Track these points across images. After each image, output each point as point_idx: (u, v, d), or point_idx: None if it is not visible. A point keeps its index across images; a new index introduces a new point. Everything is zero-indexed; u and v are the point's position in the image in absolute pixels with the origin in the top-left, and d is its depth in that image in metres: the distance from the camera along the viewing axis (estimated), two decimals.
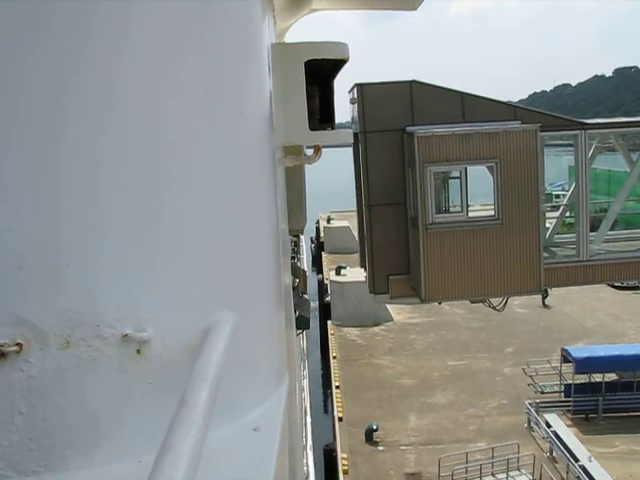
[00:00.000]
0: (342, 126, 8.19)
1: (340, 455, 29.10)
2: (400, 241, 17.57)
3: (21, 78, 3.11)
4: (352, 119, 18.88)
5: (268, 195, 4.51)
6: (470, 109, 17.15)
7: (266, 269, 4.35)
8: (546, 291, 45.24)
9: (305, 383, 31.27)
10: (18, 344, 3.10)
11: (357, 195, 19.12)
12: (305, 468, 20.99)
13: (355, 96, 17.42)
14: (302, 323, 12.98)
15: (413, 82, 17.30)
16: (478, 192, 18.15)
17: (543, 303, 47.92)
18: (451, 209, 17.88)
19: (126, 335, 3.26)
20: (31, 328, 3.12)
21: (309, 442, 26.66)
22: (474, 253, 16.60)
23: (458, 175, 17.27)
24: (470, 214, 17.02)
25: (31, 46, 3.09)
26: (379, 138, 17.26)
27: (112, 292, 3.27)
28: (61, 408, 3.19)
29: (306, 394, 30.30)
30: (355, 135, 17.77)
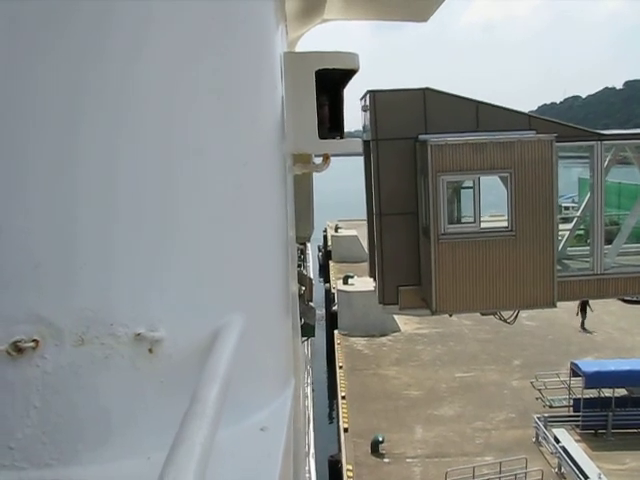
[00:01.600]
0: (351, 135, 8.24)
1: (345, 467, 28.72)
2: (411, 251, 17.26)
3: (39, 80, 3.19)
4: (363, 127, 18.63)
5: (279, 202, 4.56)
6: (484, 118, 16.86)
7: (275, 274, 4.43)
8: (584, 311, 44.46)
9: (309, 391, 30.94)
10: (34, 340, 3.20)
11: (367, 204, 18.85)
12: (307, 475, 20.89)
13: (367, 103, 17.16)
14: (307, 330, 13.08)
15: (427, 90, 17.03)
16: (486, 202, 17.83)
17: (582, 326, 46.60)
18: (463, 219, 17.59)
19: (139, 334, 3.35)
20: (47, 325, 3.22)
21: (311, 450, 26.34)
22: (486, 265, 16.29)
23: (470, 185, 16.99)
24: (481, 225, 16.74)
25: (49, 47, 3.17)
26: (391, 146, 16.98)
27: (126, 292, 3.37)
28: (74, 404, 3.28)
29: (309, 402, 29.93)
30: (366, 143, 17.52)
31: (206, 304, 3.62)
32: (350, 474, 28.20)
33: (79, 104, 3.25)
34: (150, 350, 3.39)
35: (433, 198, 16.01)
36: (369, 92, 17.03)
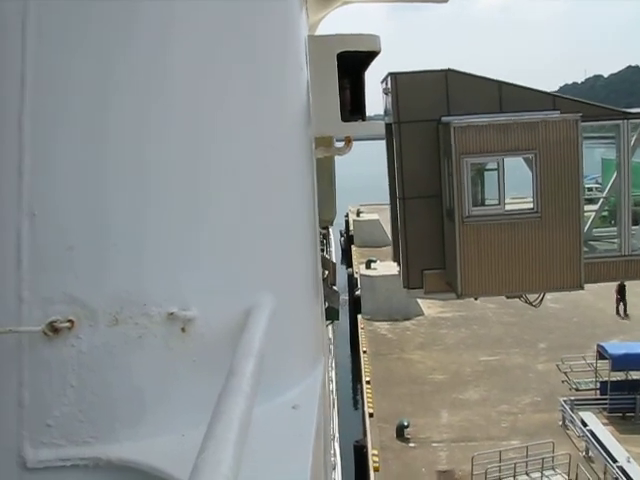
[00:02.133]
0: (371, 119, 8.09)
1: (371, 451, 28.64)
2: (435, 235, 17.11)
3: (70, 70, 3.29)
4: (385, 110, 18.44)
5: (306, 184, 4.65)
6: (507, 99, 16.62)
7: (303, 254, 4.51)
8: (623, 296, 42.51)
9: (332, 374, 30.84)
10: (70, 321, 3.30)
11: (390, 187, 18.69)
12: (332, 459, 20.49)
13: (389, 86, 16.96)
14: (332, 314, 13.80)
15: (449, 71, 16.83)
16: (507, 185, 17.58)
17: (624, 311, 45.09)
18: (486, 202, 17.37)
19: (171, 314, 3.44)
20: (82, 306, 3.32)
21: (336, 434, 26.26)
22: (512, 247, 16.09)
23: (493, 167, 16.78)
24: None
25: (79, 39, 3.28)
26: (413, 129, 16.81)
27: (158, 272, 3.47)
28: (109, 382, 3.38)
29: (333, 386, 29.85)
30: (388, 126, 17.35)
31: (237, 284, 3.70)
32: (376, 459, 28.11)
33: (110, 90, 3.33)
34: (183, 329, 3.47)
35: (457, 180, 15.82)
36: (390, 74, 16.84)
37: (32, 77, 3.25)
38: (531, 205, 16.28)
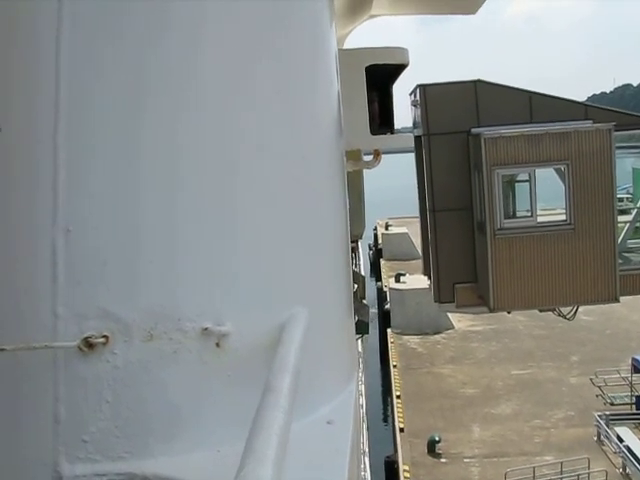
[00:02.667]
0: (399, 132, 8.38)
1: (402, 467, 28.35)
2: (466, 248, 16.90)
3: (103, 86, 3.33)
4: (414, 122, 18.33)
5: (338, 196, 4.58)
6: (538, 109, 16.42)
7: (337, 268, 4.46)
8: None
9: (362, 388, 30.62)
10: (104, 336, 3.29)
11: (420, 200, 18.54)
12: (363, 473, 20.60)
13: (417, 98, 16.84)
14: (362, 328, 13.71)
15: (478, 82, 16.67)
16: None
17: None
18: (517, 214, 17.14)
19: (206, 329, 3.40)
20: (116, 321, 3.31)
21: (366, 448, 26.01)
22: (545, 260, 15.83)
23: (525, 178, 16.58)
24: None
25: (111, 56, 3.33)
26: (443, 141, 16.67)
27: (192, 287, 3.44)
28: (144, 398, 3.36)
29: (363, 400, 29.63)
30: (417, 138, 17.22)
31: (271, 298, 3.67)
32: (407, 475, 27.84)
33: (140, 107, 3.36)
34: (217, 344, 3.44)
35: (488, 193, 15.62)
36: (419, 86, 16.74)
37: (66, 93, 3.27)
38: (563, 217, 16.02)
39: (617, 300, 16.21)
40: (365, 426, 28.61)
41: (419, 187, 18.55)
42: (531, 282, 15.85)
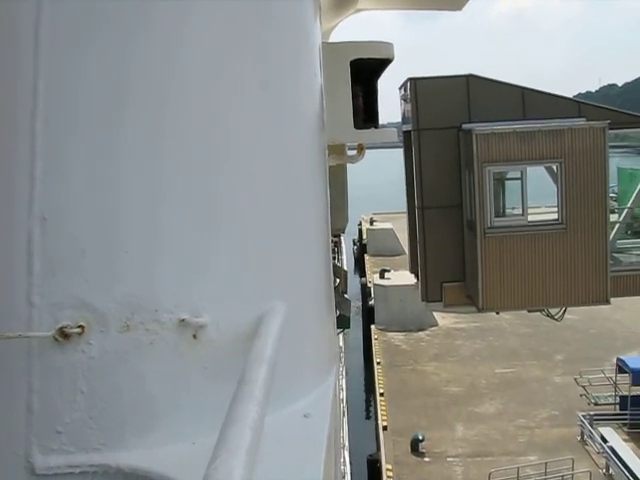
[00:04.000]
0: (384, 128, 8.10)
1: (385, 466, 28.00)
2: (455, 246, 16.60)
3: (83, 76, 3.29)
4: (403, 117, 17.96)
5: (320, 190, 4.56)
6: (531, 105, 16.13)
7: (316, 262, 4.44)
8: None
9: (343, 383, 30.27)
10: (80, 326, 3.27)
11: (408, 197, 18.21)
12: (342, 467, 20.37)
13: (408, 92, 16.46)
14: (343, 322, 13.36)
15: (470, 76, 16.31)
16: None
17: None
18: (507, 212, 16.82)
19: (183, 320, 3.40)
20: (92, 311, 3.29)
21: (346, 442, 25.85)
22: (535, 260, 15.55)
23: (516, 176, 16.27)
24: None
25: (92, 45, 3.27)
26: (433, 136, 16.33)
27: (170, 278, 3.44)
28: (119, 389, 3.35)
29: (344, 394, 29.55)
30: (407, 134, 16.87)
31: (249, 291, 3.67)
32: (390, 474, 27.49)
33: (123, 95, 3.32)
34: (194, 336, 3.43)
35: (479, 190, 15.31)
36: (410, 80, 16.40)
37: (44, 82, 3.23)
38: (554, 216, 15.71)
39: (608, 302, 15.94)
40: (345, 420, 28.30)
41: (407, 183, 18.21)
42: (521, 282, 15.55)
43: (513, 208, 16.52)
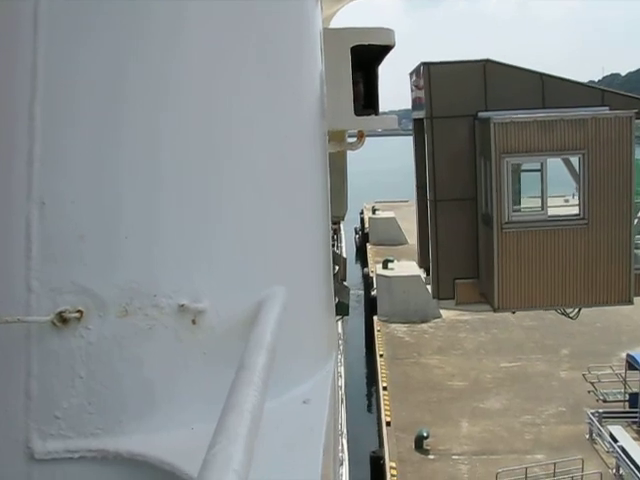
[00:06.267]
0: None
1: (388, 464, 27.29)
2: (468, 241, 15.78)
3: (82, 58, 3.26)
4: (413, 104, 17.10)
5: (320, 176, 4.54)
6: (551, 92, 15.25)
7: (316, 248, 4.43)
8: None
9: (342, 370, 29.76)
10: (79, 311, 3.27)
11: (418, 188, 17.36)
12: (340, 454, 20.55)
13: (421, 77, 15.57)
14: (342, 309, 13.32)
15: (487, 61, 15.40)
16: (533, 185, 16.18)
17: None
18: (522, 206, 15.95)
19: (182, 305, 3.38)
20: (91, 296, 3.28)
21: (344, 430, 25.31)
22: (555, 257, 14.73)
23: (532, 167, 15.42)
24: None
25: (92, 26, 3.26)
26: (448, 124, 15.43)
27: (169, 264, 3.42)
28: (118, 374, 3.34)
29: (342, 382, 28.84)
30: (418, 122, 16.00)
31: (249, 276, 3.65)
32: (394, 472, 26.80)
33: (123, 81, 3.30)
34: (193, 321, 3.42)
35: (496, 183, 14.46)
36: (423, 64, 15.54)
37: (43, 65, 3.21)
38: (575, 210, 14.84)
39: (631, 302, 15.09)
40: (344, 407, 27.71)
41: (417, 173, 17.40)
42: (539, 281, 14.74)
43: (531, 199, 15.63)
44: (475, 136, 15.30)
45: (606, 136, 14.28)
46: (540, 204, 14.92)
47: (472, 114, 15.31)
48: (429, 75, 15.29)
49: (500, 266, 14.56)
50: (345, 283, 17.30)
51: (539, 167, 15.12)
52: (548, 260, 14.63)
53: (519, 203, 15.94)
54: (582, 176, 14.51)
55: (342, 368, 30.12)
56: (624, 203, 14.53)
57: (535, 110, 14.83)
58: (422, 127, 16.18)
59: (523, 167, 15.99)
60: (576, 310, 16.85)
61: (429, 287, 16.96)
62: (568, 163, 15.24)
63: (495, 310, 15.01)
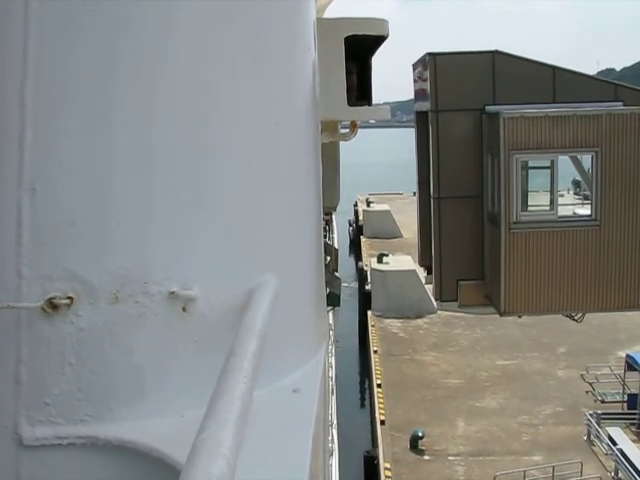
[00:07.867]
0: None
1: (383, 464, 26.71)
2: (473, 241, 15.17)
3: (74, 44, 3.27)
4: (415, 96, 16.41)
5: (312, 166, 4.55)
6: (562, 86, 14.58)
7: (308, 237, 4.43)
8: None
9: (333, 360, 29.22)
10: (69, 297, 3.28)
11: (419, 184, 16.77)
12: (330, 445, 20.42)
13: (426, 68, 14.86)
14: (333, 299, 13.44)
15: (496, 53, 14.69)
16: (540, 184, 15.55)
17: None
18: (530, 205, 15.29)
19: (173, 292, 3.40)
20: (82, 283, 3.30)
21: (334, 420, 24.61)
22: (565, 259, 14.10)
23: (541, 165, 14.76)
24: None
25: (84, 13, 3.27)
26: (453, 118, 14.78)
27: (160, 251, 3.45)
28: (108, 361, 3.37)
29: (333, 372, 28.46)
30: (421, 114, 15.30)
31: (240, 264, 3.67)
32: (388, 473, 26.23)
33: (115, 64, 3.30)
34: (184, 309, 3.44)
35: (505, 180, 13.77)
36: (429, 55, 14.86)
37: (35, 51, 3.20)
38: (589, 211, 14.17)
39: None
40: (334, 398, 27.16)
41: (419, 169, 16.74)
42: (548, 284, 14.12)
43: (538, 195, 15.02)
44: (482, 131, 14.62)
45: (621, 133, 13.64)
46: (548, 201, 14.25)
47: (479, 108, 14.65)
48: (435, 66, 14.63)
49: (507, 268, 13.92)
50: (337, 274, 17.33)
51: (548, 164, 14.42)
52: (557, 262, 14.02)
53: (527, 202, 15.31)
54: (595, 174, 13.88)
55: (333, 359, 29.72)
56: (638, 203, 13.87)
57: (546, 104, 14.15)
58: (425, 120, 15.49)
59: (530, 164, 15.34)
60: (582, 314, 16.29)
61: (429, 287, 16.36)
62: (576, 161, 14.58)
63: (501, 314, 14.39)
